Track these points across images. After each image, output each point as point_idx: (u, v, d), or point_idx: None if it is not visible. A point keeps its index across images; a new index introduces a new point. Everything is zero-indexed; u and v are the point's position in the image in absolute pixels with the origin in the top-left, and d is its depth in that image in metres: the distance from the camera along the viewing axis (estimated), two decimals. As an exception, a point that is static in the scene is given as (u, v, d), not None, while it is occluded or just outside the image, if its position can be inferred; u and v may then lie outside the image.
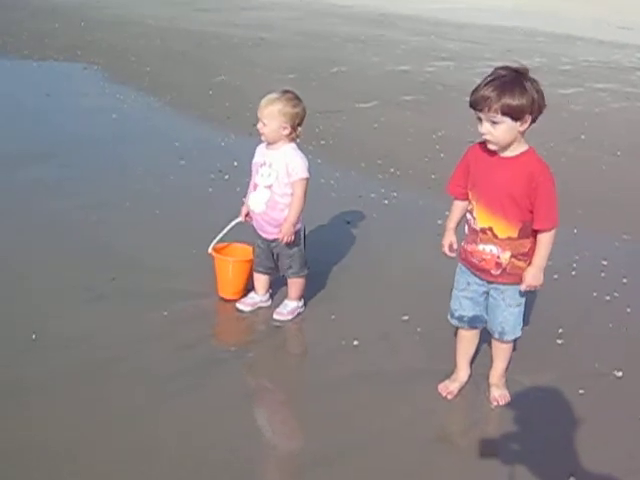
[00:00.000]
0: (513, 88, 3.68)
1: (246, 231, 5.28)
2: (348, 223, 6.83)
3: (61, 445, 3.87)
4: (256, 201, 4.97)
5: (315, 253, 5.37)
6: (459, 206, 4.28)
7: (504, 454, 3.96)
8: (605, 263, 6.15)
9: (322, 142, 9.16)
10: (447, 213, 6.88)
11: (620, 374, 4.65)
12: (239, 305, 5.26)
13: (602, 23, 20.36)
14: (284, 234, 4.87)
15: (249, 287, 5.35)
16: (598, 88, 12.42)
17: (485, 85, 3.72)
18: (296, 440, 4.14)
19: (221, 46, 15.84)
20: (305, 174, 4.88)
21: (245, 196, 5.22)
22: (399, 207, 7.34)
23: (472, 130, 9.61)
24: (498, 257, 3.98)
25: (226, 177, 7.91)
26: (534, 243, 3.98)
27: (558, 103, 10.02)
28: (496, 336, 4.27)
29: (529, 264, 4.00)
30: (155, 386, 4.40)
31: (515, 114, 3.69)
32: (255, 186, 4.99)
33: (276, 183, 4.88)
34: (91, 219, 6.69)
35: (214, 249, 5.35)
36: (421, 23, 20.12)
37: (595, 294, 5.66)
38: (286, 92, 4.90)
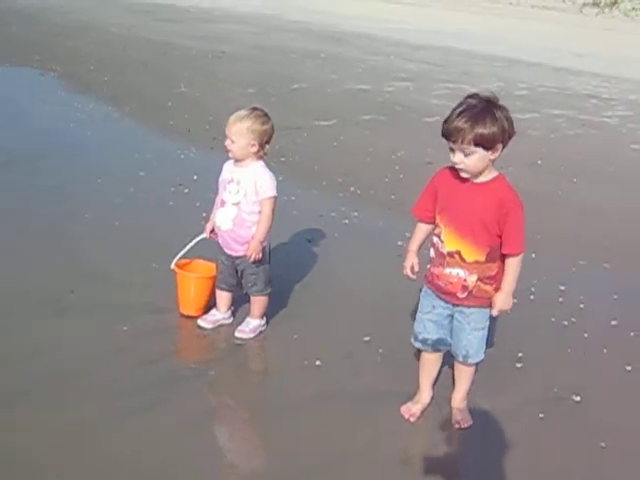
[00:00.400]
0: (485, 118, 3.74)
1: (210, 248, 5.25)
2: (309, 242, 6.84)
3: (15, 459, 3.81)
4: (223, 218, 4.96)
5: (276, 271, 5.34)
6: (423, 229, 4.32)
7: (466, 477, 3.99)
8: (563, 288, 6.24)
9: (282, 159, 9.15)
10: (407, 234, 6.93)
11: (578, 399, 4.71)
12: (200, 322, 5.22)
13: (558, 50, 20.69)
14: (252, 252, 4.86)
15: (211, 304, 5.32)
16: (554, 114, 12.63)
17: (458, 116, 3.77)
18: (258, 460, 4.13)
19: (181, 57, 15.81)
20: (273, 192, 4.88)
21: (209, 212, 5.21)
22: (360, 227, 7.37)
23: (430, 152, 9.84)
24: (465, 280, 4.03)
25: (186, 191, 7.88)
26: (500, 267, 4.05)
27: (516, 128, 10.11)
28: (460, 359, 4.30)
29: (495, 288, 4.06)
30: (115, 401, 4.34)
31: (487, 144, 3.76)
32: (222, 203, 4.98)
33: (244, 200, 4.88)
34: (50, 230, 6.62)
35: (177, 265, 5.29)
36: (378, 42, 20.25)
37: (553, 319, 5.74)
38: (255, 109, 4.90)
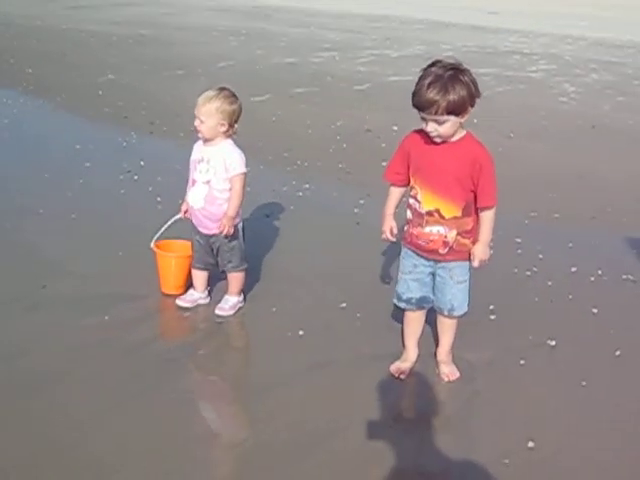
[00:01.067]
0: (454, 86, 3.86)
1: (186, 227, 5.28)
2: (267, 217, 6.90)
3: (4, 462, 3.75)
4: (195, 197, 5.01)
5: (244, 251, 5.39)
6: (396, 192, 4.45)
7: (462, 428, 4.15)
8: (519, 241, 6.45)
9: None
10: (361, 202, 7.21)
11: (553, 343, 4.93)
12: (179, 302, 5.27)
13: (473, 9, 21.01)
14: (224, 227, 4.92)
15: (189, 283, 5.37)
16: (481, 73, 12.79)
17: (428, 88, 3.87)
18: (257, 435, 4.11)
19: (101, 44, 15.57)
20: (243, 169, 4.95)
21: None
22: (314, 199, 7.46)
23: (368, 119, 9.92)
24: (445, 237, 4.19)
25: (135, 177, 7.85)
26: (475, 221, 4.23)
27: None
28: (445, 313, 4.46)
29: (472, 241, 4.25)
30: (105, 393, 4.33)
31: (459, 110, 3.90)
32: (193, 182, 5.03)
33: (214, 179, 4.93)
34: (5, 226, 6.55)
35: (155, 245, 5.35)
36: (297, 14, 20.29)
37: (516, 270, 5.95)
38: (222, 89, 4.94)
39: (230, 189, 4.95)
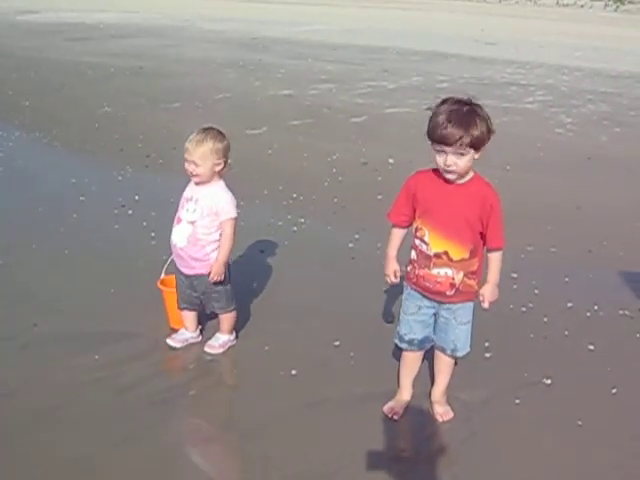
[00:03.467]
0: (475, 120, 3.85)
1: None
2: (262, 252, 6.86)
3: None
4: (178, 235, 4.97)
5: (235, 285, 5.34)
6: (399, 234, 4.41)
7: (458, 469, 4.10)
8: (515, 275, 6.41)
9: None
10: (357, 237, 7.17)
11: (549, 381, 4.89)
12: (169, 341, 5.22)
13: (469, 40, 21.11)
14: (214, 274, 4.89)
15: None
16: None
17: (449, 122, 3.83)
18: (250, 478, 4.10)
19: (99, 76, 15.58)
20: (234, 214, 4.91)
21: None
22: (308, 233, 7.42)
23: (365, 152, 9.90)
24: (453, 278, 4.15)
25: (130, 212, 7.82)
26: (480, 261, 4.21)
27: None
28: (448, 352, 4.41)
29: (477, 282, 4.22)
30: (95, 435, 4.29)
31: (478, 144, 3.88)
32: (179, 220, 4.99)
33: (200, 220, 4.89)
34: (-2, 264, 6.51)
35: (161, 281, 5.37)
36: (295, 45, 20.34)
37: (511, 306, 5.90)
38: (209, 129, 4.90)
39: (216, 232, 4.92)
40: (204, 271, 4.96)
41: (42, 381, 4.80)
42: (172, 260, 5.21)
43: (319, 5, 32.03)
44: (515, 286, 6.26)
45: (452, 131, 3.83)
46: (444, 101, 3.99)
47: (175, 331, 5.30)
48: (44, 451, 4.15)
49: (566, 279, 6.43)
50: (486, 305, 4.23)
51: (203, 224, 4.90)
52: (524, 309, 5.88)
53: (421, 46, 19.90)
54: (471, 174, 4.06)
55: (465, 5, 33.80)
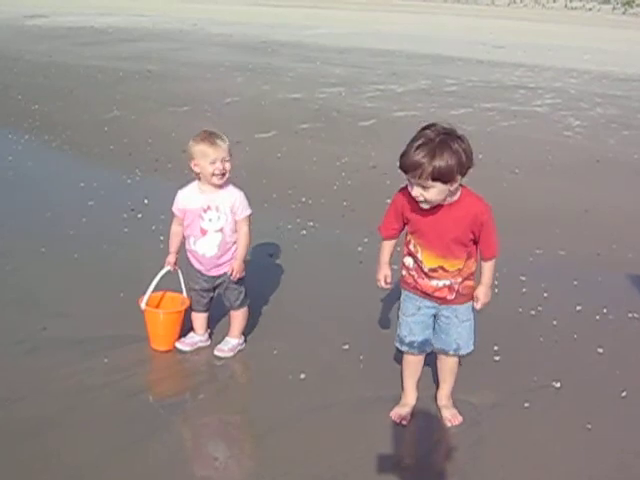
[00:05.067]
0: (442, 152, 3.75)
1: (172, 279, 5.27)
2: (271, 256, 6.87)
3: None
4: (208, 246, 4.96)
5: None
6: (391, 244, 4.44)
7: (467, 474, 4.09)
8: (524, 279, 6.41)
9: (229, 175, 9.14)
10: (365, 240, 7.17)
11: (558, 385, 4.89)
12: (179, 345, 5.23)
13: (477, 43, 21.09)
14: (236, 271, 4.93)
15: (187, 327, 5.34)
16: (486, 107, 12.89)
17: (415, 150, 3.78)
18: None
19: (108, 80, 15.61)
20: (249, 210, 4.98)
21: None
22: (317, 237, 7.43)
23: (373, 155, 9.92)
24: (451, 285, 4.18)
25: (139, 216, 7.84)
26: (476, 261, 4.23)
27: (451, 124, 10.29)
28: (451, 352, 4.41)
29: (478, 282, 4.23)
30: (104, 439, 4.30)
31: (445, 178, 3.80)
32: (204, 232, 4.95)
33: (226, 225, 4.93)
34: (6, 268, 6.53)
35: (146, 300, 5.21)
36: (302, 49, 20.33)
37: (520, 310, 5.90)
38: (210, 131, 4.89)
39: (236, 230, 4.95)
40: (228, 269, 5.00)
41: (51, 385, 4.81)
42: (160, 278, 5.17)
43: (327, 9, 32.04)
44: (524, 289, 6.26)
45: (413, 160, 3.77)
46: (426, 127, 3.92)
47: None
48: (53, 455, 4.16)
49: (575, 282, 6.42)
50: (478, 306, 4.25)
51: (230, 228, 4.94)
52: (533, 312, 5.87)
53: (429, 49, 19.88)
54: (458, 193, 3.99)
55: (473, 8, 33.79)
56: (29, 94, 14.29)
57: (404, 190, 4.11)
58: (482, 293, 4.23)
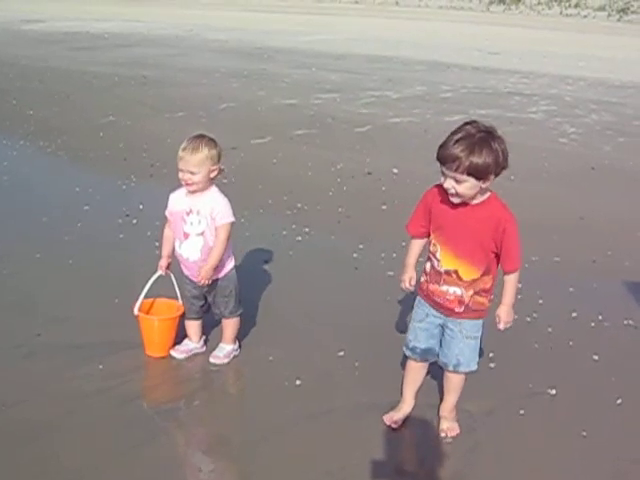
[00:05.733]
0: (481, 149, 3.76)
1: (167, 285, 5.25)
2: (266, 262, 6.87)
3: None
4: (191, 250, 4.94)
5: (239, 294, 5.33)
6: (418, 243, 4.39)
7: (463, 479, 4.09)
8: (519, 285, 6.33)
9: (224, 181, 9.06)
10: (361, 247, 7.16)
11: (554, 392, 4.89)
12: (174, 353, 5.21)
13: (473, 50, 21.12)
14: (203, 276, 4.87)
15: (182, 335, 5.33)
16: (482, 114, 12.85)
17: (455, 143, 3.78)
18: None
19: (104, 85, 15.60)
20: (231, 218, 4.89)
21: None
22: (313, 243, 7.42)
23: (369, 161, 9.90)
24: (462, 296, 4.13)
25: (134, 221, 7.83)
26: (493, 279, 4.17)
27: (446, 131, 10.31)
28: (450, 368, 4.36)
29: (489, 300, 4.21)
30: (99, 445, 4.29)
31: (479, 175, 3.79)
32: (186, 235, 4.94)
33: (207, 229, 4.89)
34: (3, 272, 6.52)
35: (139, 306, 5.19)
36: (298, 55, 20.34)
37: (516, 316, 5.83)
38: (201, 137, 4.84)
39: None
40: (217, 276, 4.98)
41: (46, 391, 4.79)
42: (152, 283, 5.15)
43: (323, 15, 32.07)
44: (519, 296, 6.15)
45: (451, 153, 3.77)
46: (467, 123, 3.93)
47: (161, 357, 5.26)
48: (48, 461, 4.14)
49: (571, 289, 6.42)
50: (501, 326, 4.20)
51: (211, 232, 4.90)
52: (529, 319, 5.87)
53: (425, 56, 19.90)
54: (486, 195, 3.99)
55: (469, 15, 33.80)
56: (25, 99, 14.28)
57: (434, 187, 4.13)
58: (504, 312, 4.17)
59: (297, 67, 18.21)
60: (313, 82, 16.20)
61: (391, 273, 4.42)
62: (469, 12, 35.44)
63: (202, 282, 4.91)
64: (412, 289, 4.40)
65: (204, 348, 5.31)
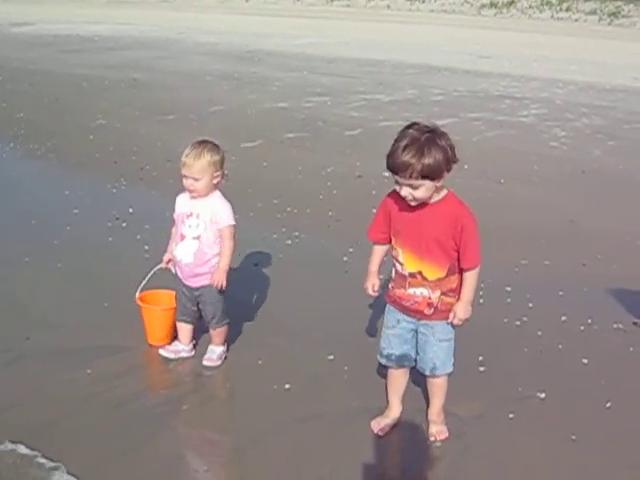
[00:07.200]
0: (430, 150, 3.78)
1: (167, 276, 5.26)
2: (256, 265, 6.85)
3: None
4: (184, 252, 4.96)
5: (229, 298, 5.30)
6: (380, 250, 4.41)
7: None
8: (509, 289, 6.40)
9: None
10: (351, 250, 7.16)
11: (543, 395, 4.88)
12: (162, 352, 5.22)
13: (464, 53, 21.14)
14: (217, 281, 4.90)
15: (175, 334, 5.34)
16: (472, 117, 12.91)
17: (403, 151, 3.79)
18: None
19: (94, 88, 15.57)
20: (232, 221, 4.93)
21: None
22: (303, 247, 7.41)
23: (359, 165, 9.91)
24: (429, 298, 4.13)
25: (124, 225, 7.81)
26: (460, 278, 4.16)
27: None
28: (427, 373, 4.36)
29: (458, 299, 4.17)
30: (89, 450, 4.28)
31: (434, 175, 3.82)
32: (182, 237, 4.97)
33: (204, 234, 4.90)
34: (-10, 276, 6.49)
35: (139, 297, 5.31)
36: (289, 58, 20.31)
37: (506, 320, 5.89)
38: (204, 142, 4.89)
39: (218, 243, 4.93)
40: (208, 282, 4.98)
41: (34, 396, 4.78)
42: (152, 275, 5.23)
43: (314, 18, 32.03)
44: (509, 300, 6.26)
45: (403, 161, 3.79)
46: (408, 127, 3.94)
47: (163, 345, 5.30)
48: (40, 469, 4.12)
49: (560, 293, 6.42)
50: (455, 321, 4.16)
51: (208, 237, 4.92)
52: (518, 323, 5.87)
53: (416, 59, 19.90)
54: (443, 193, 4.01)
55: (460, 19, 33.79)
56: (14, 102, 14.26)
57: (392, 193, 4.13)
58: (459, 308, 4.13)
59: (288, 70, 18.19)
60: (304, 85, 16.18)
61: (381, 277, 4.41)
62: (460, 16, 35.44)
63: (215, 286, 4.93)
64: (375, 294, 4.45)
65: (193, 352, 5.29)
